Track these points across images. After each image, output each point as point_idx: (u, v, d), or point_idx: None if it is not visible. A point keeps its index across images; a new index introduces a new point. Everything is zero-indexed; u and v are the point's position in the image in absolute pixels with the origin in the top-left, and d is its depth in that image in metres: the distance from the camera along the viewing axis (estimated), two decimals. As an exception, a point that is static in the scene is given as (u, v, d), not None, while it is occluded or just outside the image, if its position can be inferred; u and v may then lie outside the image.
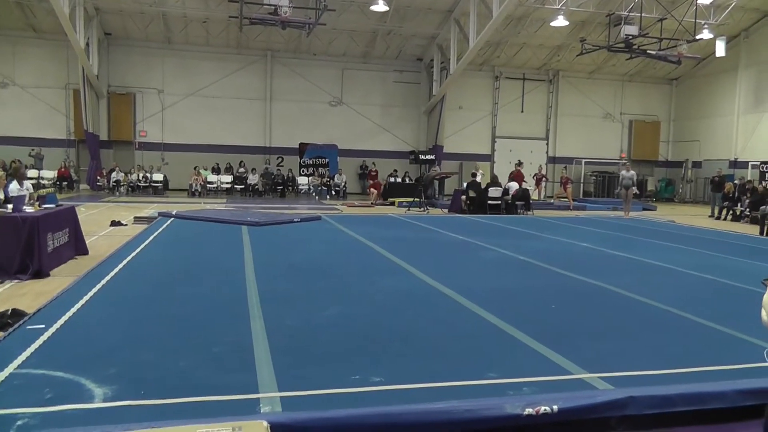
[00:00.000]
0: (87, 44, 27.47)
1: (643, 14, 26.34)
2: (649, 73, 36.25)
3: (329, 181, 30.68)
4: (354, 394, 4.66)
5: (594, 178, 36.20)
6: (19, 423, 3.97)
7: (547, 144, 36.34)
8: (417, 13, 29.45)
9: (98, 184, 29.15)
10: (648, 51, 27.26)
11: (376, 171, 30.68)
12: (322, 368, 5.21)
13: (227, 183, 30.58)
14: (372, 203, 27.01)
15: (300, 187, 31.18)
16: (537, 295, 8.69)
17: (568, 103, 36.09)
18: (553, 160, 35.47)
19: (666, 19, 26.63)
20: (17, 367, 5.00)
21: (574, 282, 9.58)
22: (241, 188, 30.43)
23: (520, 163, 28.29)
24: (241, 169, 31.05)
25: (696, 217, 24.22)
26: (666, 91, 37.75)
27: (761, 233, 18.55)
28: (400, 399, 4.54)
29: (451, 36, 29.13)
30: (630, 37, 26.07)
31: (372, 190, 28.74)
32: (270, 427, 3.77)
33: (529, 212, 23.95)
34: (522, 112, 35.73)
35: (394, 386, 4.84)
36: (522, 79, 35.56)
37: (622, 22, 26.52)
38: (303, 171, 31.19)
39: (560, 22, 27.95)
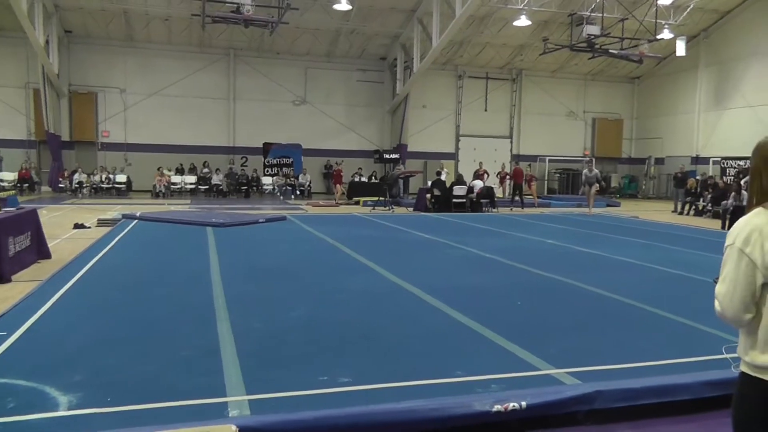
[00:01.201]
0: (47, 42, 26.92)
1: (604, 14, 26.66)
2: (612, 72, 36.69)
3: (294, 181, 30.54)
4: (322, 395, 4.66)
5: (558, 175, 36.56)
6: (-20, 433, 3.89)
7: (511, 142, 36.58)
8: (380, 13, 29.45)
9: (60, 185, 28.65)
10: (610, 50, 27.61)
11: (338, 170, 30.59)
12: (289, 370, 5.20)
13: (191, 184, 30.26)
14: (336, 202, 26.92)
15: (264, 187, 30.97)
16: (503, 292, 8.75)
17: (531, 102, 36.36)
18: (517, 158, 35.56)
19: (627, 19, 26.97)
20: (-22, 376, 4.90)
21: (540, 279, 9.66)
22: (205, 189, 30.14)
23: (517, 162, 29.78)
24: (205, 170, 30.77)
25: (659, 213, 24.57)
26: (628, 89, 38.25)
27: (723, 227, 18.89)
28: (368, 399, 4.54)
29: (414, 35, 29.21)
30: (592, 36, 26.37)
31: (337, 186, 28.51)
32: (239, 430, 3.75)
33: (494, 210, 24.11)
34: (486, 110, 35.92)
35: (362, 386, 4.85)
36: (485, 78, 35.73)
37: (584, 22, 26.80)
38: (267, 171, 30.89)
39: (523, 21, 28.16)
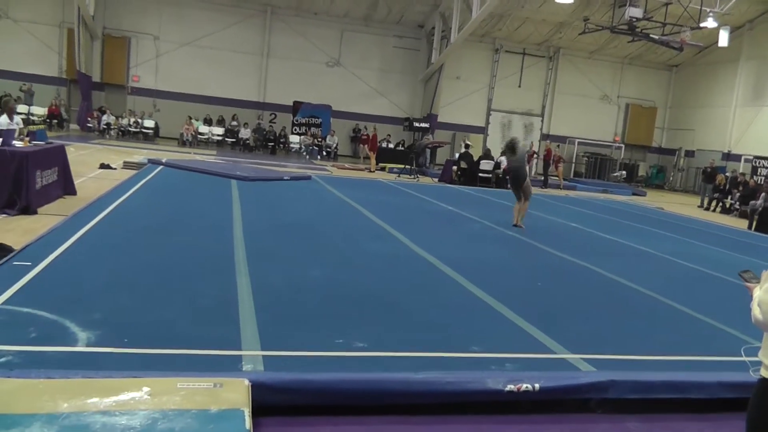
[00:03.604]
0: (84, -17, 26.92)
1: (649, -3, 26.13)
2: (650, 58, 36.02)
3: (321, 142, 30.48)
4: (337, 358, 4.66)
5: (586, 159, 36.13)
6: (2, 360, 3.95)
7: (542, 121, 36.17)
8: (421, -21, 29.08)
9: (88, 125, 28.79)
10: (651, 35, 27.08)
11: (368, 135, 30.12)
12: (306, 330, 5.20)
13: (218, 135, 30.32)
14: (372, 169, 25.98)
15: (291, 145, 30.91)
16: (523, 271, 8.71)
17: (566, 82, 35.84)
18: (546, 137, 35.24)
19: (671, 3, 26.42)
20: (3, 303, 4.98)
21: (561, 261, 9.59)
22: (232, 142, 30.19)
23: (549, 142, 30.29)
24: (234, 123, 30.76)
25: (685, 206, 24.26)
26: (665, 77, 37.58)
27: (749, 228, 18.55)
28: (382, 366, 4.54)
29: (454, 5, 28.75)
30: (634, 19, 25.87)
31: (370, 153, 27.52)
32: (251, 385, 3.75)
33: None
34: (519, 87, 35.47)
35: (377, 353, 4.84)
36: (522, 54, 35.24)
37: (627, 4, 26.25)
38: (295, 129, 30.91)
39: (565, -2, 27.66)
